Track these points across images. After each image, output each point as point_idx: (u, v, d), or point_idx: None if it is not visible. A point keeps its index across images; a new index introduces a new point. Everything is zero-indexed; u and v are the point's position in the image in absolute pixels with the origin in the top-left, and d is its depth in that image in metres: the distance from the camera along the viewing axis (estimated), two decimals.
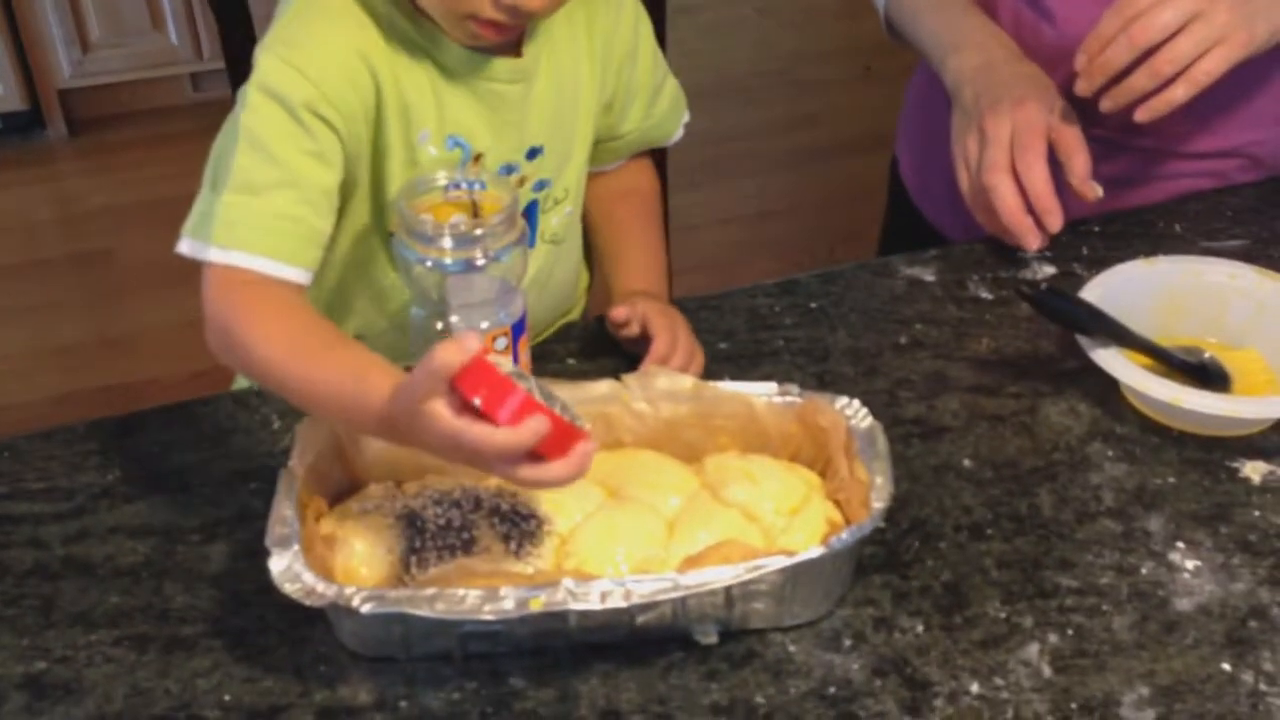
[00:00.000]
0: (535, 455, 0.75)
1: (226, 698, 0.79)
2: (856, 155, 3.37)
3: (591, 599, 0.76)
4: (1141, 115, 1.04)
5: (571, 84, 1.02)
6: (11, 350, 2.66)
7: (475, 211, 0.90)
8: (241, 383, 1.10)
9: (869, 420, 0.87)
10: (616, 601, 0.76)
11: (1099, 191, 1.10)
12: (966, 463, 0.96)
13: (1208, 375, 1.01)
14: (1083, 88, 1.06)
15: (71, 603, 0.86)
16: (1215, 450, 0.97)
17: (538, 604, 0.76)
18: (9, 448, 0.98)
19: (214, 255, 0.87)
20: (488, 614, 0.75)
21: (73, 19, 3.12)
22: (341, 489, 0.88)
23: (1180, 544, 0.89)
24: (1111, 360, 0.97)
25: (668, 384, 0.91)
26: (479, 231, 0.88)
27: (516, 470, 0.75)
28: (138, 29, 3.19)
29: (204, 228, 0.88)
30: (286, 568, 0.77)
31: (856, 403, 0.89)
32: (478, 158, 0.98)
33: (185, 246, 0.89)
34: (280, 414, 1.00)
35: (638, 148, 1.15)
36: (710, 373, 1.01)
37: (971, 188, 1.13)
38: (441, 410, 0.73)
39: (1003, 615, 0.84)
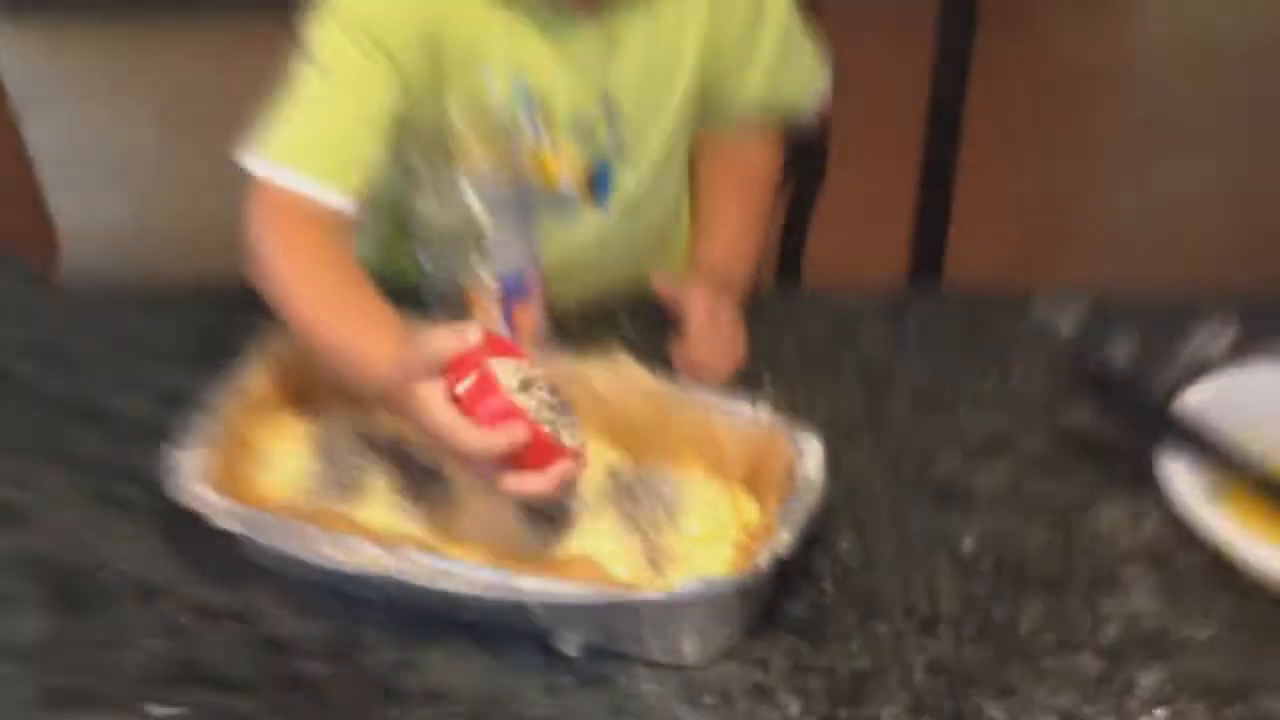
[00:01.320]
0: (516, 463, 0.73)
1: (126, 568, 0.83)
2: None
3: (422, 576, 0.73)
4: None
5: (671, 48, 0.97)
6: None
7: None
8: None
9: (819, 469, 0.77)
10: (444, 585, 0.73)
11: None
12: (968, 544, 0.83)
13: None
14: None
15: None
16: None
17: (374, 564, 0.74)
18: None
19: (261, 169, 0.89)
20: (323, 558, 0.75)
21: None
22: (317, 391, 0.89)
23: (1160, 712, 0.73)
24: (1180, 477, 0.80)
25: (633, 376, 0.84)
26: (481, 185, 0.86)
27: (493, 476, 0.74)
28: None
29: (260, 140, 0.90)
30: (179, 465, 0.79)
31: (816, 445, 0.79)
32: (543, 103, 0.94)
33: (245, 158, 0.90)
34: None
35: (762, 116, 1.07)
36: (749, 379, 0.93)
37: None
38: (430, 395, 0.73)
39: None
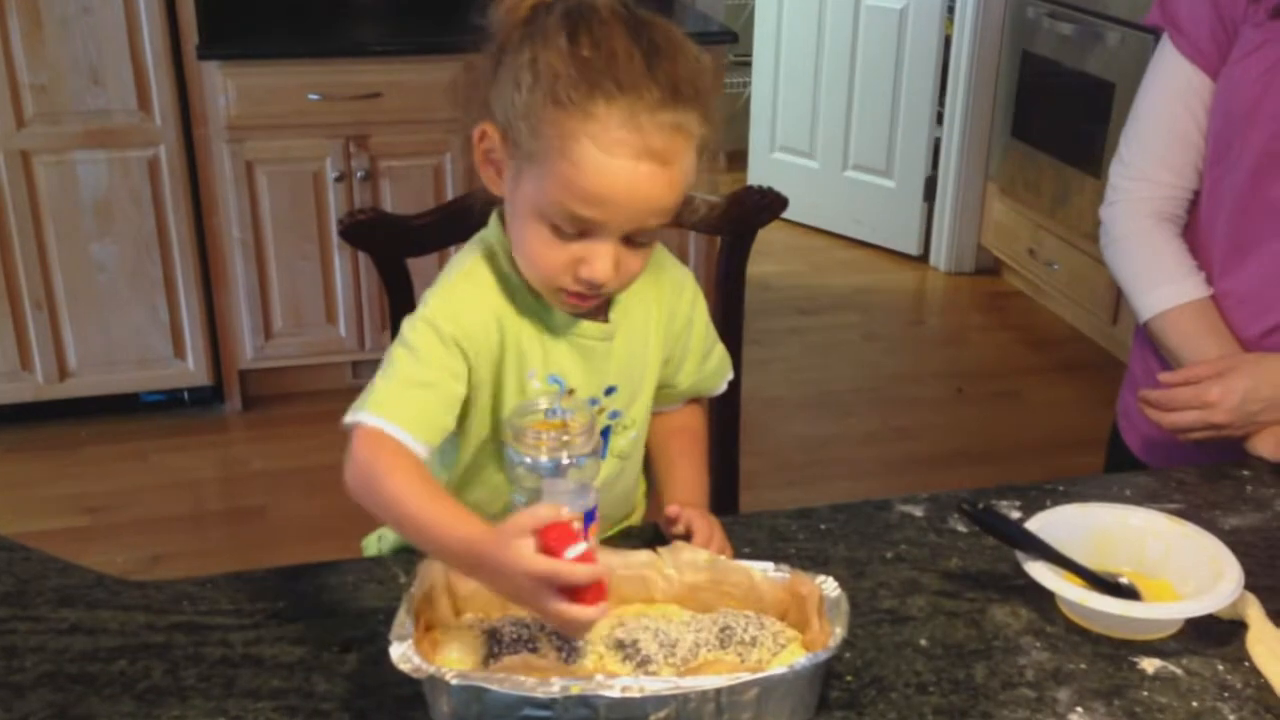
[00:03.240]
0: (580, 597, 1.06)
1: None
2: (945, 467, 3.70)
3: (614, 690, 1.05)
4: None
5: (642, 343, 1.39)
6: None
7: (565, 429, 1.25)
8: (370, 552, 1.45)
9: (837, 591, 1.17)
10: (632, 693, 1.05)
11: None
12: (923, 642, 1.24)
13: (1122, 593, 1.28)
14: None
15: (247, 683, 1.18)
16: (1122, 649, 1.23)
17: (577, 689, 1.05)
18: (211, 582, 1.32)
19: (365, 418, 1.22)
20: (540, 693, 1.05)
21: (261, 311, 3.68)
22: (445, 614, 1.20)
23: (1079, 709, 1.15)
24: (1039, 571, 1.26)
25: (690, 556, 1.22)
26: (565, 438, 1.23)
27: (553, 602, 1.05)
28: (315, 322, 3.74)
29: (364, 402, 1.23)
30: (402, 654, 1.08)
31: (831, 580, 1.19)
32: (571, 392, 1.34)
33: (349, 417, 1.23)
34: (405, 571, 1.33)
35: (690, 395, 1.51)
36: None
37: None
38: (526, 545, 1.06)
39: None
